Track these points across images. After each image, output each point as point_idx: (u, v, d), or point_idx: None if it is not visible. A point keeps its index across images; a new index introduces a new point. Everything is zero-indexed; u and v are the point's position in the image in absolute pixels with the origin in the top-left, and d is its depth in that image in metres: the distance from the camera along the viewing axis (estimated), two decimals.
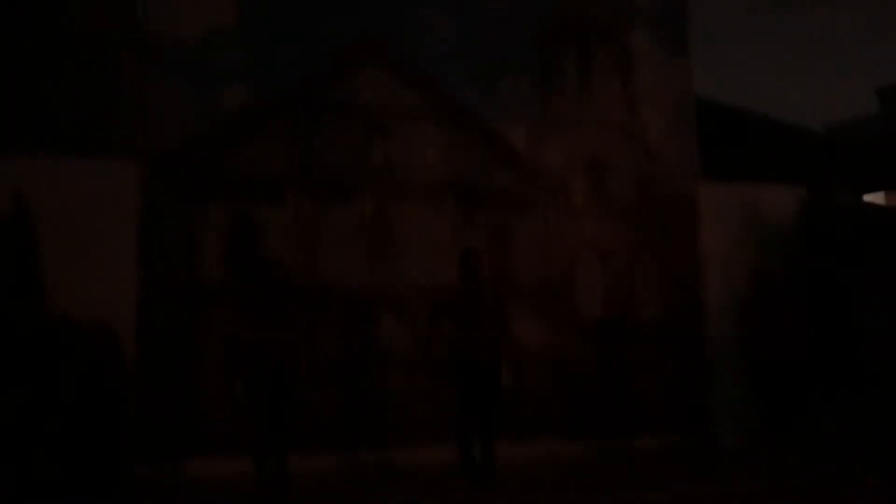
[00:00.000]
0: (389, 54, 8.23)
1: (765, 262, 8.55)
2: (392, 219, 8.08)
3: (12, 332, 6.59)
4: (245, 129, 7.77)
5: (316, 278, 7.74)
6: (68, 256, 6.80)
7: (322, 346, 7.61)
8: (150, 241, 7.31)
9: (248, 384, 6.36)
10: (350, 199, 7.97)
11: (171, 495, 6.32)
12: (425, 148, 8.25)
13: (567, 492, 6.26)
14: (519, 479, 6.73)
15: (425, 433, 7.65)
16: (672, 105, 9.33)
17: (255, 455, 6.24)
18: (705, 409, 8.75)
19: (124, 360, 6.97)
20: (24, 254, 6.80)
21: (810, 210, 9.52)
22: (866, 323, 8.61)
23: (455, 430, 6.66)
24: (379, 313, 7.92)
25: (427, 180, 8.23)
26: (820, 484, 6.28)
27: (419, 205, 8.17)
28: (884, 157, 13.23)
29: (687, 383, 8.78)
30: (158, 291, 7.28)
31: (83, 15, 7.58)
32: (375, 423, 7.71)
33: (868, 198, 12.21)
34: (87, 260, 6.89)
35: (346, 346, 7.79)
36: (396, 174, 8.15)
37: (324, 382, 7.54)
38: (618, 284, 8.84)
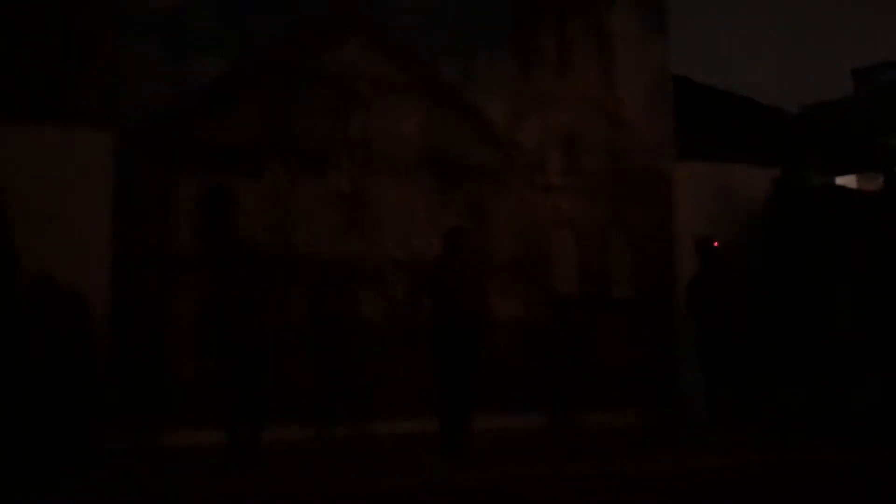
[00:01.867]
0: (368, 25, 8.17)
1: (734, 239, 8.64)
2: (368, 192, 8.07)
3: None
4: (220, 99, 7.69)
5: (290, 250, 7.73)
6: (41, 225, 6.72)
7: (296, 317, 7.62)
8: (124, 211, 7.25)
9: (222, 354, 6.38)
10: (326, 172, 7.95)
11: (142, 465, 6.32)
12: (403, 121, 8.23)
13: (538, 464, 6.35)
14: (491, 450, 6.81)
15: (400, 405, 7.71)
16: (649, 83, 9.37)
17: (228, 425, 6.26)
18: (674, 385, 8.90)
19: (96, 328, 6.93)
20: None
21: (782, 190, 9.64)
22: (833, 303, 8.75)
23: (435, 404, 6.75)
24: (354, 286, 7.94)
25: (404, 154, 8.22)
26: (779, 459, 6.42)
27: (396, 178, 8.17)
28: (857, 140, 13.38)
29: (657, 359, 8.91)
30: (132, 261, 7.24)
31: None
32: (350, 395, 7.76)
33: (840, 180, 12.35)
34: (60, 229, 6.82)
35: (320, 317, 7.80)
36: (373, 147, 8.13)
37: (298, 354, 7.56)
38: (592, 260, 8.92)
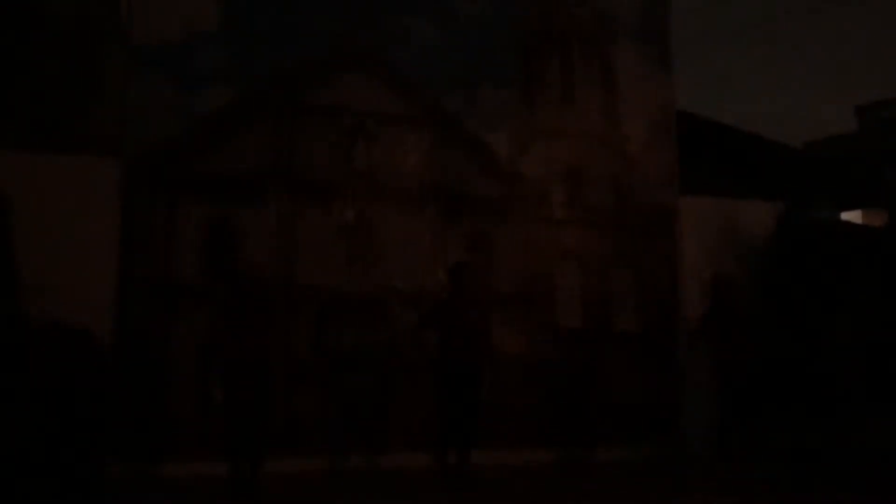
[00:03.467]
0: (374, 58, 8.25)
1: (740, 275, 8.62)
2: (373, 223, 8.09)
3: None
4: (226, 130, 7.75)
5: (295, 281, 7.73)
6: (47, 254, 6.75)
7: (298, 349, 7.61)
8: (130, 240, 7.27)
9: (225, 386, 6.36)
10: (331, 203, 7.98)
11: (144, 496, 6.27)
12: (407, 153, 8.28)
13: (538, 500, 6.28)
14: (492, 486, 6.75)
15: (402, 438, 7.67)
16: (653, 118, 9.41)
17: (230, 457, 6.22)
18: (677, 420, 8.82)
19: (100, 359, 6.92)
20: (2, 251, 6.74)
21: (787, 225, 9.64)
22: (836, 338, 8.70)
23: (435, 437, 6.72)
24: (357, 318, 7.92)
25: (408, 185, 8.25)
26: (785, 498, 6.34)
27: (400, 210, 8.19)
28: (861, 175, 13.41)
29: (660, 394, 8.85)
30: (137, 291, 7.24)
31: (66, 10, 7.56)
32: (352, 427, 7.70)
33: (845, 215, 12.36)
34: (66, 257, 6.85)
35: (323, 349, 7.78)
36: (378, 178, 8.17)
37: (300, 386, 7.53)
38: (595, 294, 8.89)
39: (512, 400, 8.11)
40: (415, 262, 8.08)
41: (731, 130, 11.53)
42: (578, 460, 8.22)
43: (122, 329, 7.12)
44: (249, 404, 6.28)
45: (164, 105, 7.47)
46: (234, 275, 7.04)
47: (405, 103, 8.36)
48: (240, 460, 6.25)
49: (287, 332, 7.53)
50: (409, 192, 8.24)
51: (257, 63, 7.82)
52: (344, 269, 7.93)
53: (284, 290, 7.60)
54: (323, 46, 8.10)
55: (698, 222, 9.24)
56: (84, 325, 6.69)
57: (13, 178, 6.78)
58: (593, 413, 8.56)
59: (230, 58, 7.74)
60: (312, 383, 7.65)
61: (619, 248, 9.05)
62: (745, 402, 7.57)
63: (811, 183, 11.67)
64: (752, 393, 7.63)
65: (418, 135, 8.34)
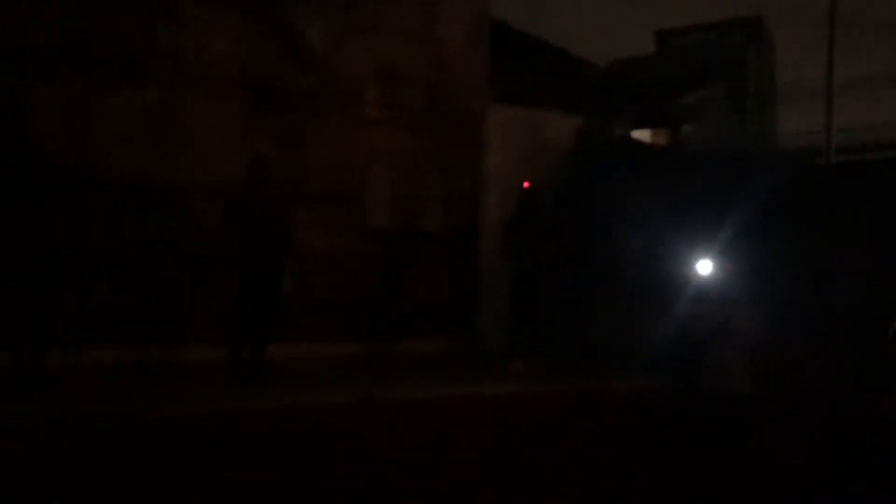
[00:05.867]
0: None
1: (539, 182, 9.09)
2: (176, 110, 7.72)
3: None
4: None
5: (92, 167, 7.27)
6: None
7: (93, 237, 7.23)
8: None
9: (6, 273, 6.01)
10: (131, 86, 7.50)
11: None
12: (217, 38, 7.90)
13: (329, 388, 6.49)
14: (288, 377, 6.88)
15: (206, 332, 7.56)
16: (468, 24, 9.55)
17: (12, 348, 5.94)
18: (475, 317, 9.34)
19: None
20: None
21: (584, 139, 10.23)
22: (625, 244, 9.47)
23: (231, 329, 6.73)
24: (157, 207, 7.62)
25: (216, 73, 7.91)
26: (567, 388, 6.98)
27: (207, 98, 7.85)
28: (653, 97, 14.37)
29: (460, 292, 9.30)
30: None
31: None
32: (150, 319, 7.50)
33: (636, 133, 13.26)
34: None
35: (120, 238, 7.44)
36: (184, 63, 7.75)
37: (95, 275, 7.20)
38: (404, 195, 9.08)
39: (320, 295, 8.21)
40: (220, 153, 7.82)
41: (540, 42, 11.90)
42: (380, 352, 8.53)
43: None
44: (31, 293, 5.99)
45: None
46: (20, 157, 6.54)
47: None
48: (21, 351, 5.97)
49: (83, 220, 7.10)
50: (217, 79, 7.90)
51: None
52: (143, 156, 7.55)
53: (80, 175, 7.12)
54: None
55: (504, 129, 9.61)
56: None
57: None
58: (397, 308, 8.86)
59: None
60: (111, 275, 7.34)
61: (428, 150, 9.24)
62: (537, 301, 8.11)
63: (610, 100, 12.36)
64: (544, 293, 8.18)
65: (229, 19, 7.96)
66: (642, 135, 13.37)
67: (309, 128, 8.46)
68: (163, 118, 7.66)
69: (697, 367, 7.67)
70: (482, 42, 9.65)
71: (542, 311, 7.99)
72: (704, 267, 8.24)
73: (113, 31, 7.39)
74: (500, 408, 6.38)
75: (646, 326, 8.70)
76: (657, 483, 6.76)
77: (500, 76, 9.78)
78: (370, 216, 8.89)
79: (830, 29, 14.24)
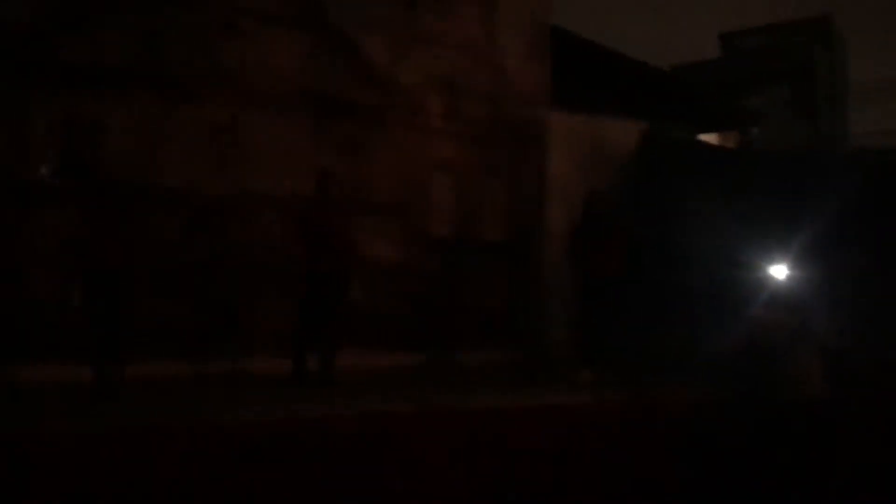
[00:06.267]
0: None
1: (609, 190, 8.97)
2: (243, 126, 7.86)
3: None
4: (85, 18, 7.24)
5: (159, 182, 7.46)
6: None
7: (164, 252, 7.40)
8: None
9: (84, 290, 6.18)
10: (199, 103, 7.67)
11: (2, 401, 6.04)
12: (281, 54, 8.03)
13: (393, 397, 6.48)
14: (353, 386, 6.91)
15: (271, 343, 7.66)
16: (529, 32, 9.51)
17: (93, 360, 6.09)
18: (539, 326, 9.24)
19: None
20: None
21: (650, 143, 10.05)
22: (690, 250, 9.25)
23: (292, 339, 6.83)
24: (225, 221, 7.76)
25: (281, 89, 8.04)
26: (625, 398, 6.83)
27: (271, 113, 7.98)
28: (719, 100, 14.09)
29: (523, 301, 9.22)
30: None
31: None
32: (220, 332, 7.63)
33: (703, 137, 13.00)
34: None
35: (190, 253, 7.60)
36: (249, 80, 7.90)
37: (166, 289, 7.36)
38: (466, 205, 9.07)
39: (383, 305, 8.24)
40: (285, 168, 7.94)
41: (602, 49, 11.78)
42: (443, 362, 8.51)
43: None
44: (110, 307, 6.16)
45: None
46: (94, 175, 6.75)
47: (281, 2, 8.06)
48: (102, 365, 6.12)
49: (152, 236, 7.29)
50: (282, 95, 8.03)
51: None
52: (211, 171, 7.70)
53: (150, 192, 7.32)
54: None
55: (566, 137, 9.52)
56: None
57: None
58: (460, 318, 8.84)
59: None
60: (179, 289, 7.50)
61: (490, 160, 9.21)
62: (605, 309, 7.98)
63: (674, 105, 12.16)
64: (612, 301, 8.04)
65: (293, 35, 8.09)
66: (709, 139, 13.12)
67: (371, 139, 8.53)
68: (229, 134, 7.80)
69: (771, 375, 7.44)
70: (543, 50, 9.60)
71: (610, 319, 7.86)
72: (779, 272, 7.99)
73: (180, 50, 7.58)
74: (569, 417, 6.27)
75: (716, 334, 8.49)
76: (740, 493, 6.56)
77: (561, 83, 9.70)
78: (433, 226, 8.90)
79: None
